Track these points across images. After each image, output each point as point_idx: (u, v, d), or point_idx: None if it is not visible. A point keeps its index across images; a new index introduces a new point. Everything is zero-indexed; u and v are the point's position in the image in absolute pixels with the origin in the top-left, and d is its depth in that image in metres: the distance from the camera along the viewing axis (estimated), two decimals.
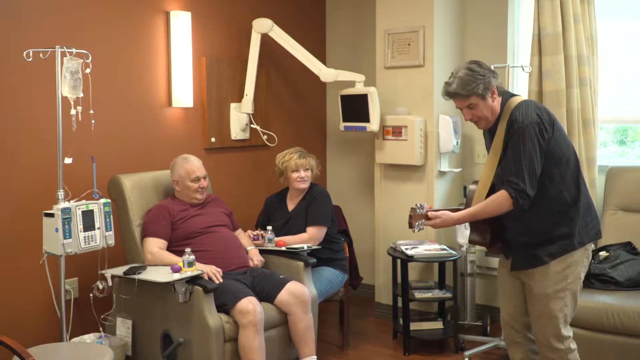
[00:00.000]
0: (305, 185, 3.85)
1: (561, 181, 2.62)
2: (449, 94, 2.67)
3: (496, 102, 2.66)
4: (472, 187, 2.80)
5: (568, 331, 2.70)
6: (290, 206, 3.91)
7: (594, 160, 3.83)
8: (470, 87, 2.60)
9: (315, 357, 3.35)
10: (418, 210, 2.67)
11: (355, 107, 4.24)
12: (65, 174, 3.08)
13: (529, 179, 2.54)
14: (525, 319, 2.81)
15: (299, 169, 3.82)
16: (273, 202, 4.00)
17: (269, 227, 3.74)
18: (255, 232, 3.77)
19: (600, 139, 4.09)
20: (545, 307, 2.66)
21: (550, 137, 2.58)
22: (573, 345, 2.71)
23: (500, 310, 2.94)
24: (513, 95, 2.71)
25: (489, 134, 2.77)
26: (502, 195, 2.57)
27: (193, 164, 3.53)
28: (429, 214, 2.68)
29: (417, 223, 2.66)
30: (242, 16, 4.34)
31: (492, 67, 2.70)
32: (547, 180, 2.60)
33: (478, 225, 2.79)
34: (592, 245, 2.74)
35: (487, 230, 2.77)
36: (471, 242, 2.88)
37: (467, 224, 3.98)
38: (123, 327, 3.32)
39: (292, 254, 3.60)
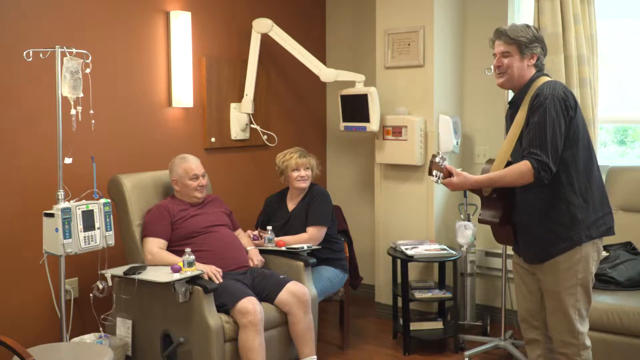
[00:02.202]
0: (305, 185, 3.85)
1: (574, 165, 2.57)
2: (496, 32, 2.71)
3: (528, 70, 2.67)
4: (486, 166, 2.75)
5: (584, 327, 2.67)
6: (290, 206, 3.91)
7: None
8: (518, 35, 2.65)
9: (315, 357, 3.35)
10: (439, 161, 2.61)
11: (355, 107, 4.24)
12: (65, 174, 3.08)
13: (552, 153, 2.50)
14: (544, 315, 2.78)
15: (299, 168, 3.82)
16: (273, 202, 4.00)
17: (269, 227, 3.74)
18: (255, 232, 3.77)
19: (600, 139, 4.08)
20: (558, 303, 2.65)
21: (573, 118, 2.56)
22: (588, 342, 2.68)
23: (517, 307, 2.92)
24: (544, 75, 2.70)
25: (510, 117, 2.74)
26: (524, 164, 2.52)
27: (191, 162, 3.53)
28: (449, 168, 2.63)
29: (435, 172, 2.61)
30: (242, 16, 4.34)
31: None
32: (560, 163, 2.55)
33: (490, 203, 2.72)
34: (602, 240, 2.69)
35: (500, 208, 2.69)
36: (480, 221, 2.78)
37: (469, 225, 4.05)
38: (123, 327, 3.32)
39: (292, 254, 3.60)
